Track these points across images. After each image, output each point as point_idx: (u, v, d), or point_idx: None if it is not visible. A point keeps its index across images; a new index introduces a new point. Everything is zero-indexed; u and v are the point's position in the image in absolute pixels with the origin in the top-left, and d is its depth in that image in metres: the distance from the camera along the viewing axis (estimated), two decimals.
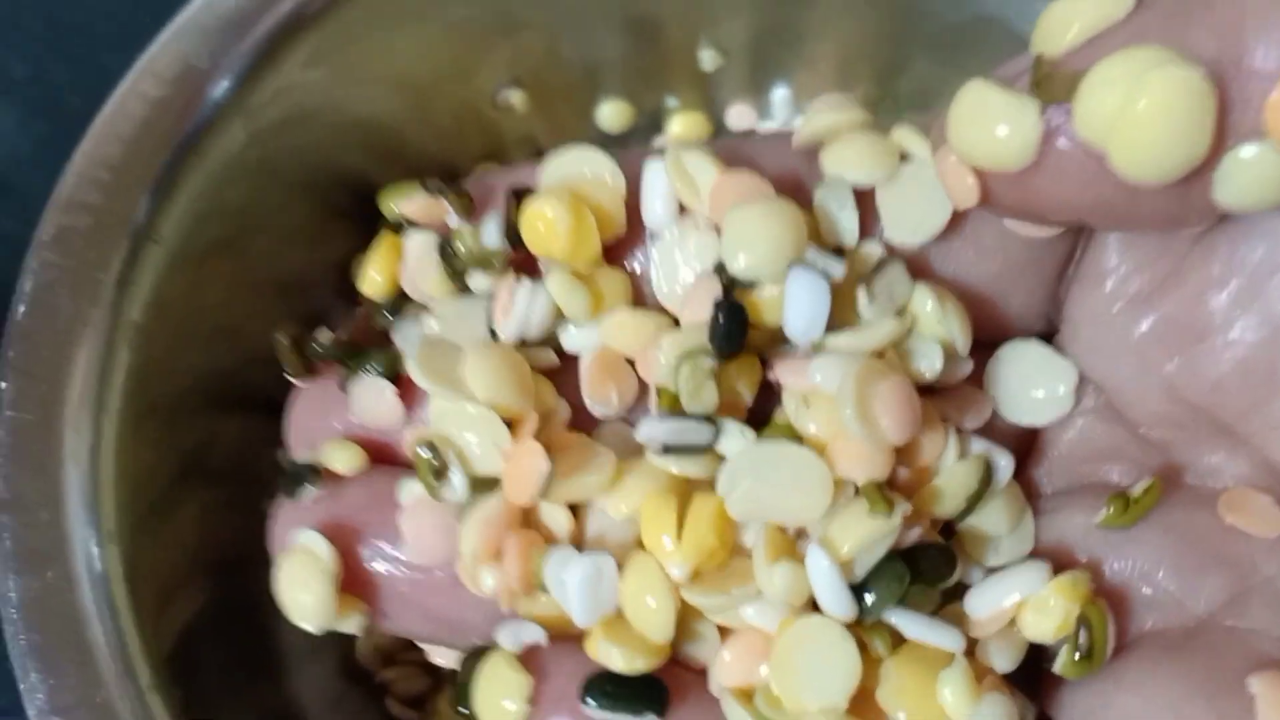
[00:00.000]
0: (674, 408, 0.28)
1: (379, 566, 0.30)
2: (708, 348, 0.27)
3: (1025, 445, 0.30)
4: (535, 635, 0.28)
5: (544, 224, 0.29)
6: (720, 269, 0.28)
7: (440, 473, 0.28)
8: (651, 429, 0.28)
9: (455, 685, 0.28)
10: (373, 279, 0.32)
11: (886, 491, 0.26)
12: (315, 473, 0.30)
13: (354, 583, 0.30)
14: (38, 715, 0.36)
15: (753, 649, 0.27)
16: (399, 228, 0.32)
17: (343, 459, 0.31)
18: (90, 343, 0.40)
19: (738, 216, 0.28)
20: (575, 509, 0.28)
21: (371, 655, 0.53)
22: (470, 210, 0.31)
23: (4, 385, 0.37)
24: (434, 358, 0.28)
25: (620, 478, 0.28)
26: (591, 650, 0.27)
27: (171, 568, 0.43)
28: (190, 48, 0.41)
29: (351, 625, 0.30)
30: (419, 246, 0.31)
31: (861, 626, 0.26)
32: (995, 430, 0.30)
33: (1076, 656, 0.27)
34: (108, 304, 0.40)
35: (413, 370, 0.29)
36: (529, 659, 0.28)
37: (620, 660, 0.27)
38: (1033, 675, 0.29)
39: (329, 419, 0.32)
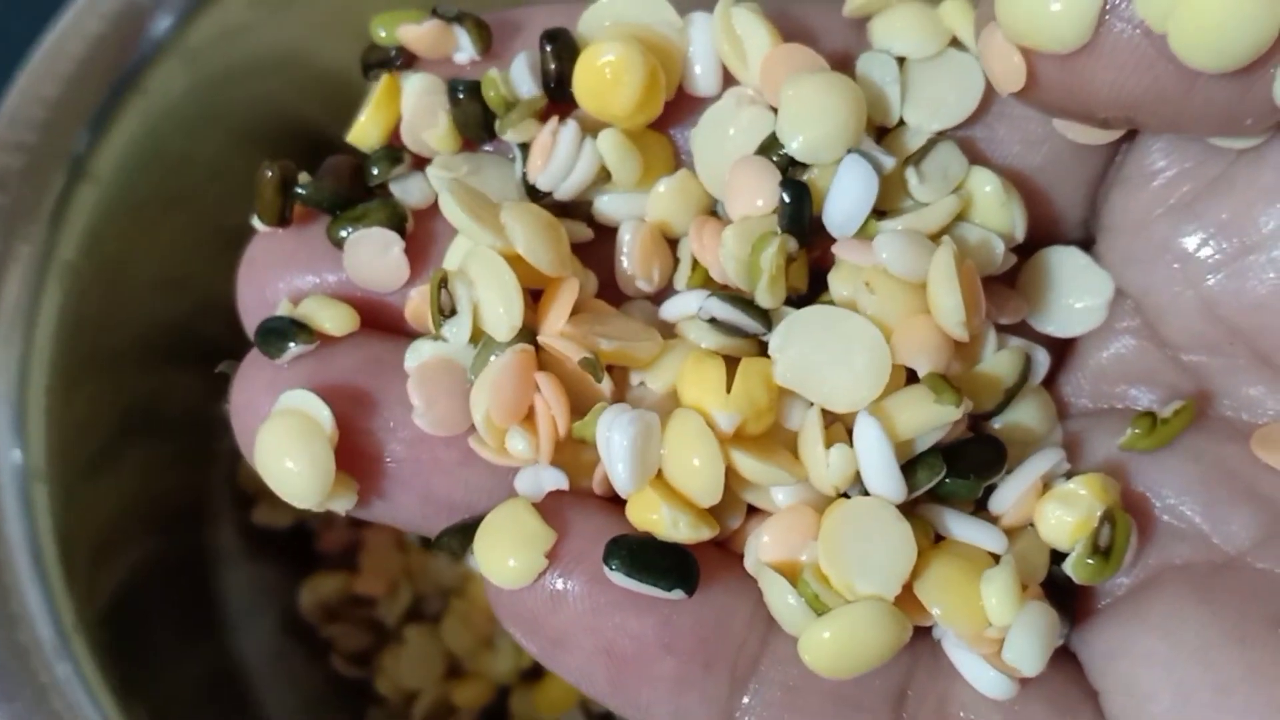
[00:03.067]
0: (710, 286, 0.27)
1: (379, 439, 0.27)
2: (779, 233, 0.26)
3: (1054, 360, 0.29)
4: (557, 481, 0.26)
5: (610, 73, 0.27)
6: (771, 149, 0.27)
7: (447, 315, 0.26)
8: (704, 302, 0.26)
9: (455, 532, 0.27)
10: (365, 128, 0.29)
11: (950, 381, 0.25)
12: (302, 329, 0.27)
13: (347, 457, 0.27)
14: None
15: (797, 528, 0.26)
16: (382, 66, 0.29)
17: (334, 318, 0.27)
18: (19, 278, 0.38)
19: (798, 92, 0.27)
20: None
21: (315, 611, 0.51)
22: (488, 45, 0.28)
23: None
24: (467, 197, 0.26)
25: (661, 352, 0.27)
26: (634, 514, 0.26)
27: (111, 519, 0.42)
28: None
29: (340, 505, 0.27)
30: (423, 90, 0.28)
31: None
32: (1025, 337, 0.29)
33: (1091, 558, 0.26)
34: (39, 240, 0.38)
35: (444, 203, 0.26)
36: (550, 513, 0.26)
37: (665, 523, 0.25)
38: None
39: (299, 276, 0.29)
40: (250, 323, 0.28)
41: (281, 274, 0.29)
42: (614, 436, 0.25)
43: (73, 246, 0.39)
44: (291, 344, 0.27)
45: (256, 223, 0.29)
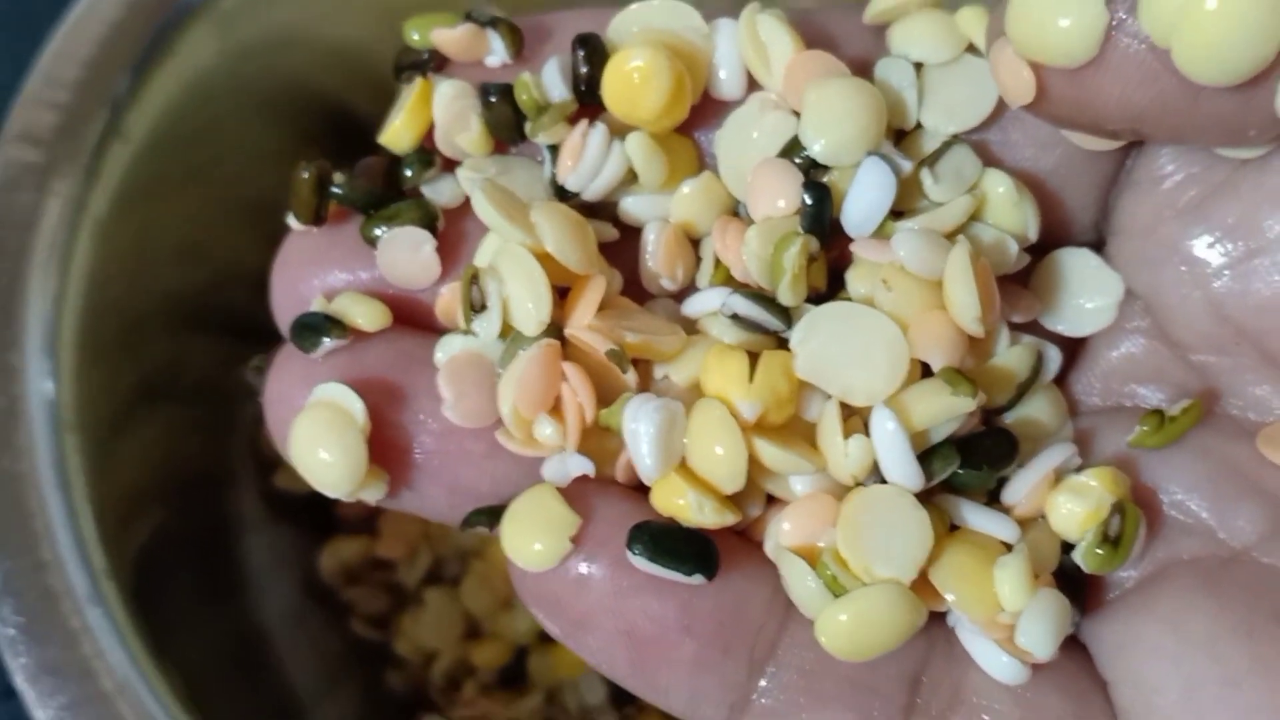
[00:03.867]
0: (732, 284, 0.28)
1: (408, 431, 0.28)
2: (801, 233, 0.27)
3: (1065, 358, 0.29)
4: (584, 467, 0.27)
5: (639, 78, 0.27)
6: (793, 151, 0.28)
7: (477, 310, 0.27)
8: (727, 299, 0.27)
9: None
10: (398, 131, 0.29)
11: (965, 375, 0.26)
12: (334, 324, 0.28)
13: (377, 448, 0.27)
14: None
15: (816, 515, 0.26)
16: (415, 69, 0.30)
17: (366, 314, 0.28)
18: (52, 231, 0.39)
19: (819, 96, 0.27)
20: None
21: (335, 574, 0.51)
22: (520, 48, 0.29)
23: None
24: (499, 197, 0.27)
25: (684, 346, 0.27)
26: (659, 499, 0.26)
27: (136, 480, 0.43)
28: None
29: (371, 495, 0.27)
30: (456, 95, 0.29)
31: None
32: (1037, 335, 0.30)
33: (1100, 548, 0.27)
34: (72, 195, 0.39)
35: (477, 202, 0.27)
36: (575, 499, 0.27)
37: (691, 508, 0.26)
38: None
39: (332, 274, 0.29)
40: (284, 318, 0.29)
41: (316, 271, 0.29)
42: (639, 424, 0.26)
43: (104, 203, 0.40)
44: (325, 339, 0.27)
45: (291, 221, 0.29)
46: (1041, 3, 0.24)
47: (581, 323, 0.27)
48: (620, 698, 0.52)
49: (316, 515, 0.52)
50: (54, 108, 0.39)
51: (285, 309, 0.29)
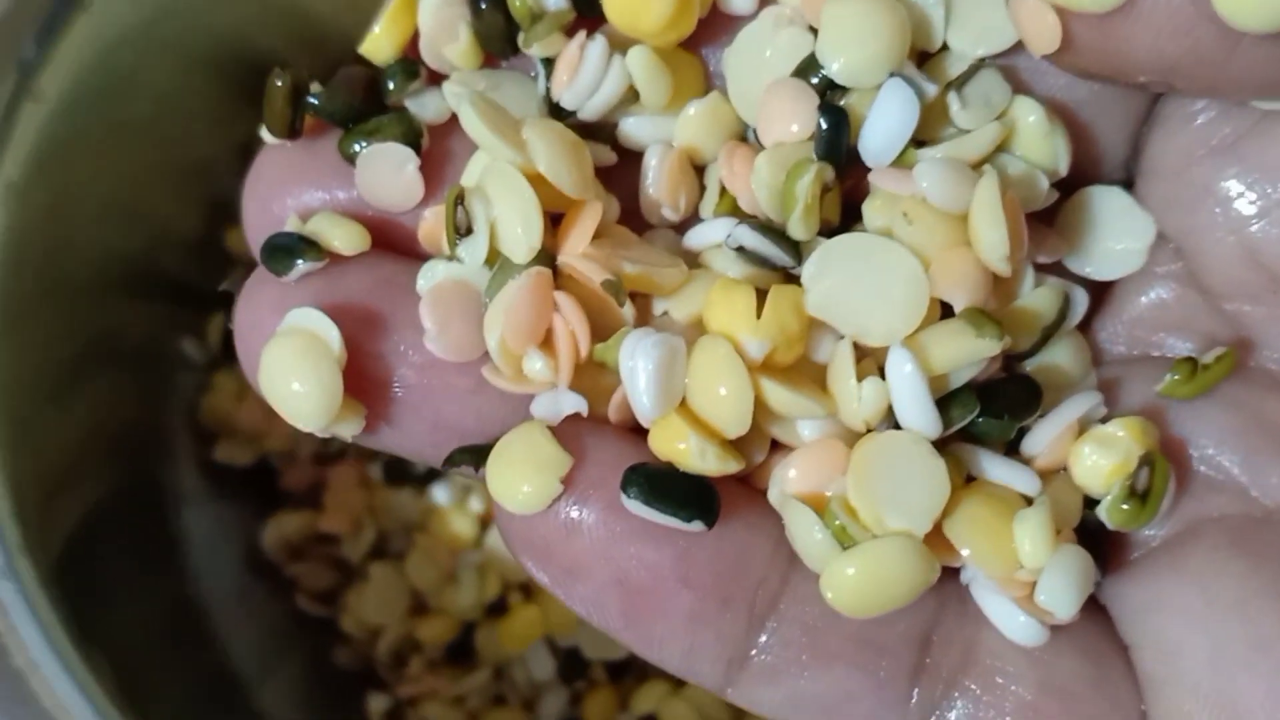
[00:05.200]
0: (739, 215, 0.26)
1: (389, 362, 0.26)
2: (815, 160, 0.25)
3: (1090, 304, 0.28)
4: (577, 404, 0.25)
5: None
6: (809, 71, 0.25)
7: (463, 234, 0.25)
8: (734, 230, 0.25)
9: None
10: (379, 40, 0.27)
11: (990, 315, 0.24)
12: (310, 245, 0.26)
13: (355, 380, 0.25)
14: None
15: (825, 461, 0.25)
16: None
17: (344, 235, 0.26)
18: None
19: (838, 11, 0.25)
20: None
21: (279, 549, 0.50)
22: None
23: None
24: (489, 112, 0.25)
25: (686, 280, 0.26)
26: (657, 443, 0.25)
27: (67, 454, 0.41)
28: None
29: (347, 430, 0.26)
30: (443, 2, 0.27)
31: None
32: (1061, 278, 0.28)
33: (1127, 503, 0.25)
34: None
35: (464, 115, 0.25)
36: (567, 439, 0.25)
37: (693, 453, 0.24)
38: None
39: (307, 192, 0.27)
40: (256, 239, 0.27)
41: (290, 189, 0.27)
42: (638, 361, 0.24)
43: (18, 168, 0.38)
44: (299, 261, 0.26)
45: (264, 134, 0.27)
46: None
47: (575, 250, 0.25)
48: (570, 673, 0.51)
49: (259, 489, 0.51)
50: None
51: (257, 229, 0.27)
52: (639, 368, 0.24)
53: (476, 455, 0.25)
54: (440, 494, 0.52)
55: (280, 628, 0.50)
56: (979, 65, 0.26)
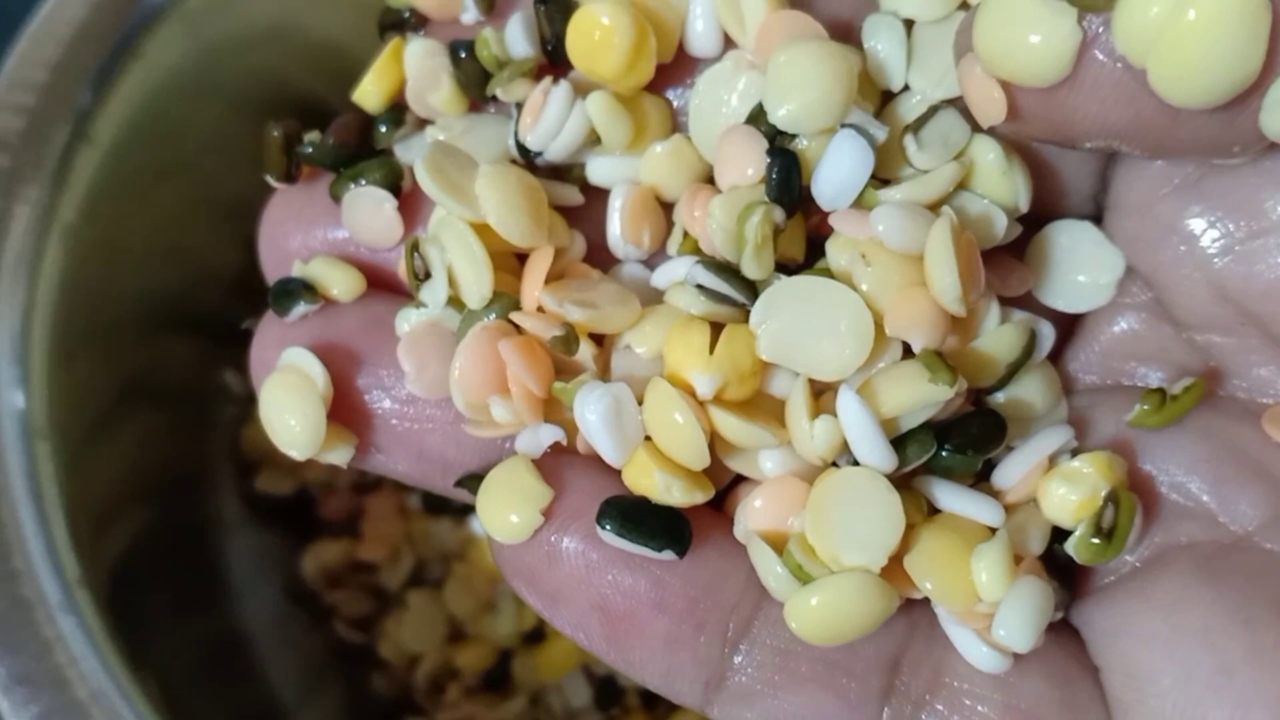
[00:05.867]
0: (699, 255, 0.26)
1: (374, 397, 0.27)
2: (767, 202, 0.25)
3: (1061, 334, 0.28)
4: (555, 435, 0.26)
5: (600, 34, 0.26)
6: (758, 118, 0.26)
7: (422, 279, 0.26)
8: (691, 269, 0.25)
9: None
10: (367, 90, 0.29)
11: (945, 360, 0.24)
12: (309, 289, 0.28)
13: (345, 413, 0.27)
14: None
15: (785, 497, 0.25)
16: (396, 29, 0.29)
17: (339, 281, 0.28)
18: (21, 235, 0.38)
19: (785, 59, 0.25)
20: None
21: (318, 577, 0.51)
22: (492, 5, 0.28)
23: None
24: (445, 164, 0.26)
25: (644, 316, 0.26)
26: (629, 478, 0.25)
27: (112, 486, 0.42)
28: None
29: (339, 457, 0.27)
30: (427, 53, 0.28)
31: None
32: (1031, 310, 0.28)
33: (1095, 539, 0.25)
34: (40, 201, 0.38)
35: (419, 172, 0.26)
36: (548, 471, 0.26)
37: (659, 488, 0.25)
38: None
39: (311, 231, 0.29)
40: (272, 276, 0.29)
41: (297, 228, 0.29)
42: (586, 414, 0.25)
43: (73, 209, 0.39)
44: (298, 304, 0.27)
45: (269, 180, 0.29)
46: (1010, 18, 0.23)
47: (529, 294, 0.26)
48: (605, 700, 0.51)
49: (298, 518, 0.52)
50: (20, 112, 0.38)
51: (273, 268, 0.29)
52: (588, 419, 0.25)
53: (478, 482, 0.26)
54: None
55: (319, 654, 0.50)
56: (939, 105, 0.26)
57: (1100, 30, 0.22)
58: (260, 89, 0.44)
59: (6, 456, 0.36)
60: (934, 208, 0.25)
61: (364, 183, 0.27)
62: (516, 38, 0.27)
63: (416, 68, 0.28)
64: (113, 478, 0.41)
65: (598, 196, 0.28)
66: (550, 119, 0.26)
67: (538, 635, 0.51)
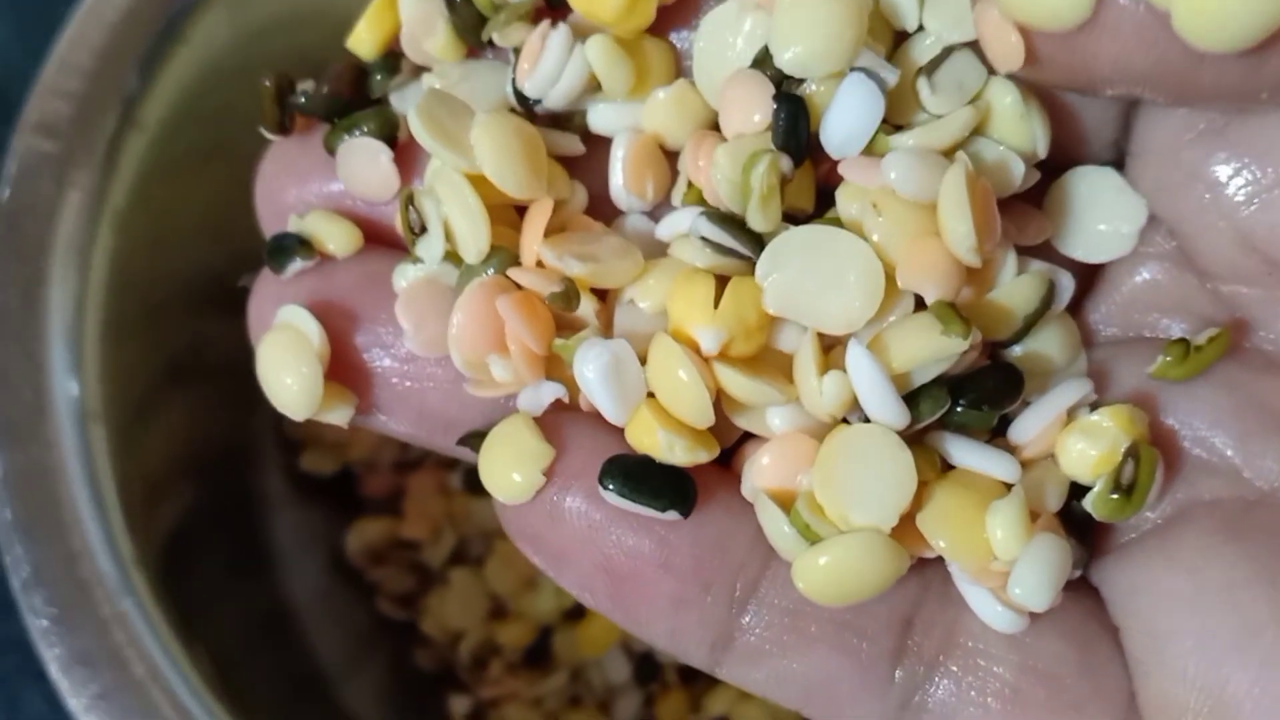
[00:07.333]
0: (705, 205, 0.25)
1: (373, 356, 0.26)
2: (773, 150, 0.24)
3: (1081, 285, 0.27)
4: (556, 392, 0.25)
5: None
6: (764, 62, 0.25)
7: (418, 234, 0.25)
8: (695, 220, 0.24)
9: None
10: (361, 36, 0.28)
11: (959, 312, 0.23)
12: (304, 245, 0.27)
13: (345, 371, 0.26)
14: (22, 588, 0.35)
15: (794, 455, 0.24)
16: None
17: (335, 235, 0.27)
18: (73, 222, 0.38)
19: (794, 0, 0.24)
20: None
21: (362, 554, 0.51)
22: None
23: None
24: (439, 112, 0.25)
25: (648, 269, 0.25)
26: (632, 437, 0.24)
27: (161, 463, 0.42)
28: None
29: (339, 417, 0.26)
30: None
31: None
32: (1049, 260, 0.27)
33: (1114, 494, 0.24)
34: (90, 187, 0.38)
35: (411, 121, 0.25)
36: (550, 429, 0.25)
37: (662, 447, 0.24)
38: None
39: (307, 185, 0.28)
40: (268, 231, 0.28)
41: (292, 181, 0.28)
42: (586, 371, 0.24)
43: (123, 194, 0.39)
44: (294, 260, 0.26)
45: (265, 133, 0.28)
46: None
47: (528, 248, 0.25)
48: (644, 676, 0.51)
49: (342, 495, 0.52)
50: (69, 98, 0.39)
51: (269, 222, 0.28)
52: (587, 377, 0.24)
53: (482, 440, 0.26)
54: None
55: (364, 628, 0.50)
56: (954, 47, 0.25)
57: None
58: (299, 68, 0.44)
59: (63, 438, 0.37)
60: (948, 154, 0.24)
61: (359, 133, 0.26)
62: None
63: (411, 13, 0.27)
64: (162, 457, 0.41)
65: (599, 146, 0.27)
66: (548, 64, 0.25)
67: (578, 612, 0.51)
